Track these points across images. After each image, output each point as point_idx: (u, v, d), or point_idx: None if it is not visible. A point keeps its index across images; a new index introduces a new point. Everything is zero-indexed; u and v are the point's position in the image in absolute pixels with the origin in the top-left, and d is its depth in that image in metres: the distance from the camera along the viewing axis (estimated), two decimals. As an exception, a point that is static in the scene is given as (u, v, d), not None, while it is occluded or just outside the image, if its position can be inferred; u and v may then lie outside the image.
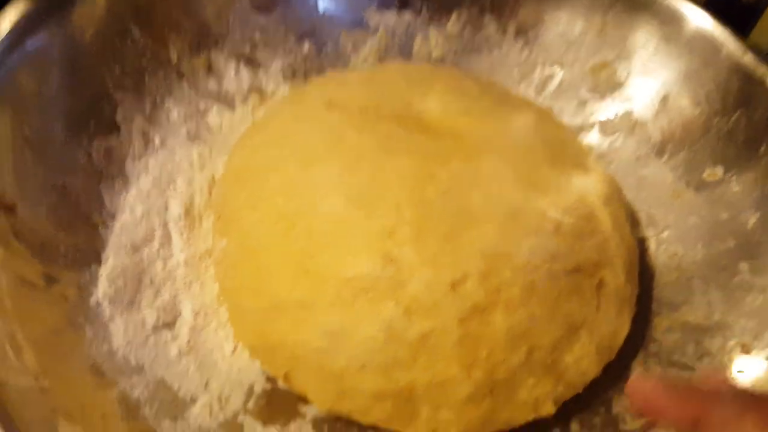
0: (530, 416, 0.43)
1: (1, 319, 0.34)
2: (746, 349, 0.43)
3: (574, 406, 0.44)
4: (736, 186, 0.49)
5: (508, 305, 0.41)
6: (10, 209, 0.38)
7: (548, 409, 0.43)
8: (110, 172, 0.47)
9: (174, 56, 0.53)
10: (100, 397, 0.36)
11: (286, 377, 0.42)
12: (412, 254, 0.41)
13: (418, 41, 0.61)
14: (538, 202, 0.45)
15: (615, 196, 0.50)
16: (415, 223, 0.42)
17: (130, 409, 0.37)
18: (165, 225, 0.48)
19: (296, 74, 0.59)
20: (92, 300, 0.42)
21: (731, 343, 0.44)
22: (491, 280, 0.41)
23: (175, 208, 0.49)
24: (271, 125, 0.50)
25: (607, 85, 0.57)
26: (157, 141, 0.51)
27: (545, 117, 0.54)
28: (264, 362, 0.43)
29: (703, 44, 0.52)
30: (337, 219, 0.42)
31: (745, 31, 0.54)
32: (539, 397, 0.42)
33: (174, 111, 0.53)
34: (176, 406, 0.40)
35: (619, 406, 0.44)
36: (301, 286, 0.41)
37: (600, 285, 0.45)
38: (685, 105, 0.53)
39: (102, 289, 0.42)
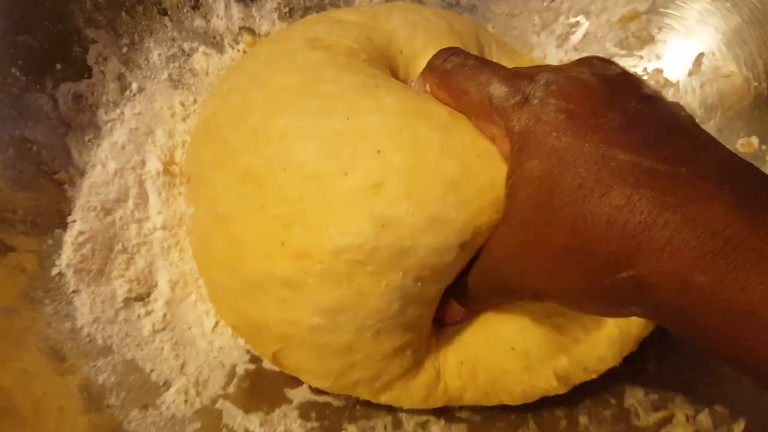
0: (539, 394, 0.40)
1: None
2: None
3: (583, 396, 0.40)
4: (773, 160, 0.45)
5: None
6: (-44, 167, 0.33)
7: (559, 388, 0.39)
8: (79, 123, 0.42)
9: (155, -12, 0.47)
10: (57, 387, 0.32)
11: (275, 357, 0.37)
12: (409, 213, 0.33)
13: (432, -21, 0.55)
14: None
15: None
16: (405, 170, 0.33)
17: (93, 398, 0.33)
18: (141, 183, 0.43)
19: (293, 13, 0.53)
20: (54, 270, 0.37)
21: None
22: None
23: (154, 164, 0.44)
24: (246, 68, 0.43)
25: (637, 39, 0.52)
26: (134, 86, 0.46)
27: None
28: (248, 342, 0.39)
29: (748, -2, 0.47)
30: (309, 176, 0.34)
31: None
32: (549, 375, 0.39)
33: (155, 52, 0.47)
34: (147, 391, 0.36)
35: (632, 398, 0.41)
36: (280, 261, 0.34)
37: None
38: (722, 67, 0.48)
39: (66, 257, 0.38)
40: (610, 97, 0.30)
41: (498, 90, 0.32)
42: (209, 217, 0.38)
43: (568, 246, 0.28)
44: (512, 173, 0.31)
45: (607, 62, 0.33)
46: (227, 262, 0.37)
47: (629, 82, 0.31)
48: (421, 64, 0.40)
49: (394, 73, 0.42)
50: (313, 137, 0.35)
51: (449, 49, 0.37)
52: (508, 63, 0.48)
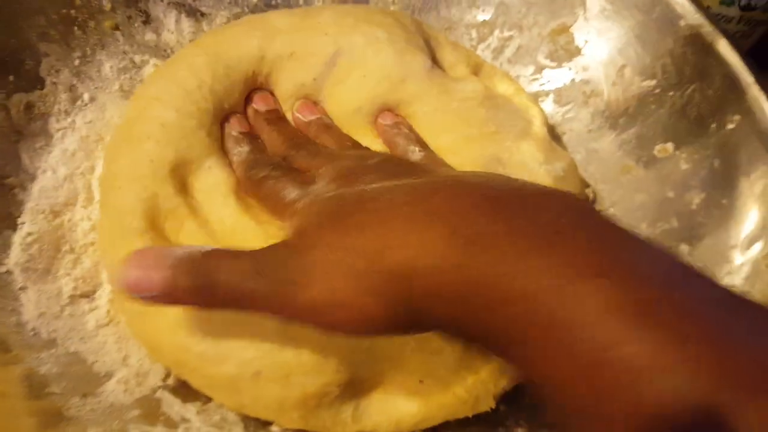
0: (469, 413, 0.40)
1: None
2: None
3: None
4: (684, 164, 0.48)
5: None
6: None
7: (488, 404, 0.40)
8: (31, 131, 0.45)
9: (107, 5, 0.50)
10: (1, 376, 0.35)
11: (179, 378, 0.39)
12: None
13: (375, -5, 0.58)
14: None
15: (569, 174, 0.48)
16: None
17: (35, 387, 0.36)
18: (90, 188, 0.45)
19: (241, 25, 0.56)
20: (2, 269, 0.40)
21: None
22: None
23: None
24: (175, 75, 0.45)
25: (566, 51, 0.55)
26: (86, 97, 0.48)
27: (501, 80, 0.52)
28: (156, 359, 0.40)
29: (662, 13, 0.50)
30: (227, 228, 0.41)
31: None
32: (480, 395, 0.40)
33: (106, 65, 0.50)
34: (89, 381, 0.38)
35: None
36: None
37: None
38: (641, 77, 0.51)
39: (14, 256, 0.40)
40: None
41: (291, 193, 0.37)
42: (116, 228, 0.40)
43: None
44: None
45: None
46: None
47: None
48: (354, 37, 0.46)
49: None
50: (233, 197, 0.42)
51: (258, 159, 0.42)
52: (454, 53, 0.51)
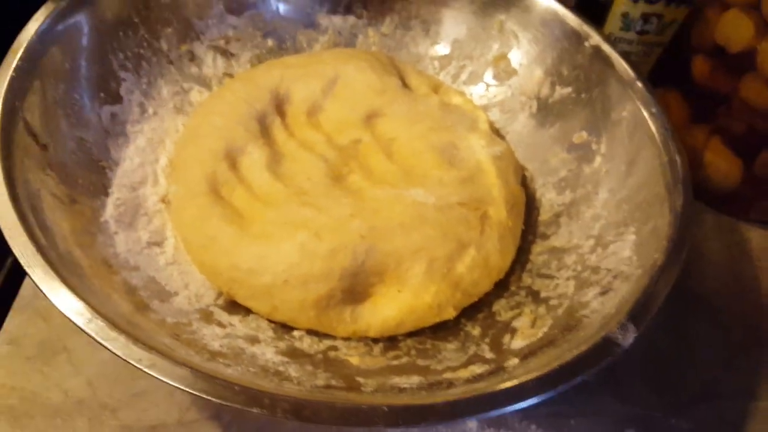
0: (436, 319, 0.55)
1: (45, 210, 0.48)
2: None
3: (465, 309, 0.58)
4: (594, 145, 0.64)
5: (404, 228, 0.54)
6: (44, 147, 0.52)
7: (450, 313, 0.55)
8: (115, 132, 0.61)
9: (165, 46, 0.67)
10: (109, 278, 0.50)
11: (229, 295, 0.54)
12: (322, 200, 0.55)
13: (360, 39, 0.76)
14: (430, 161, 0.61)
15: (506, 155, 0.65)
16: (324, 186, 0.57)
17: (130, 290, 0.51)
18: (156, 173, 0.62)
19: (261, 63, 0.74)
20: (102, 219, 0.55)
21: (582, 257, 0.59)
22: (384, 212, 0.55)
23: (163, 161, 0.63)
24: (225, 98, 0.64)
25: (506, 73, 0.73)
26: (150, 111, 0.65)
27: (454, 95, 0.70)
28: (212, 282, 0.55)
29: (574, 38, 0.68)
30: (264, 190, 0.58)
31: (600, 23, 0.71)
32: (441, 303, 0.55)
33: (164, 89, 0.67)
34: (163, 294, 0.53)
35: (498, 305, 0.59)
36: (233, 225, 0.54)
37: (484, 216, 0.59)
38: (561, 86, 0.69)
39: (109, 212, 0.56)
40: None
41: None
42: (186, 191, 0.57)
43: None
44: None
45: None
46: (195, 225, 0.55)
47: None
48: (348, 66, 0.65)
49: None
50: (270, 171, 0.59)
51: None
52: (419, 78, 0.70)
